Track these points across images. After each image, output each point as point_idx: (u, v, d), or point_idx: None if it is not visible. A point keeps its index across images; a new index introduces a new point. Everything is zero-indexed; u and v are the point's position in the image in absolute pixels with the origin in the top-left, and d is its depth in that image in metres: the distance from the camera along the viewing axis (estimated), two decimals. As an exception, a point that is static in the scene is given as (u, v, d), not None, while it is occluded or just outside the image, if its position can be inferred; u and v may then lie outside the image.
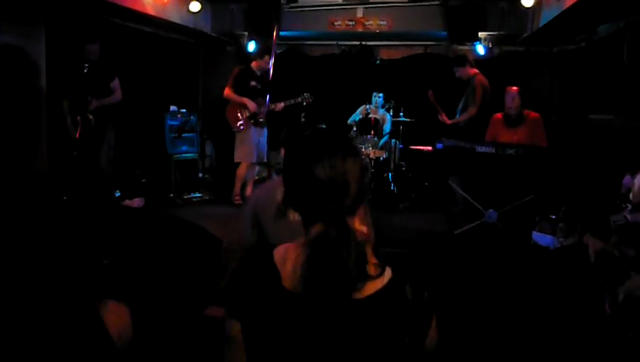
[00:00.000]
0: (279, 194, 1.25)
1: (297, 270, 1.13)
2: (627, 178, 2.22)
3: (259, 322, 1.18)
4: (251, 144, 5.97)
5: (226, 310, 1.23)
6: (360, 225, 1.20)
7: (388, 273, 1.17)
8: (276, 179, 5.81)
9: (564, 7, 4.93)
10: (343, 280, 1.10)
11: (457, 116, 6.07)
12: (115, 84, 5.35)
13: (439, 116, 6.10)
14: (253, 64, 6.06)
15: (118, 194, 5.76)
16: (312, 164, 1.13)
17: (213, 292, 3.54)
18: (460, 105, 6.08)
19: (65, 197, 4.67)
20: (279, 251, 1.22)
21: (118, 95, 5.38)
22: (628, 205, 2.10)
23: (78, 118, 4.97)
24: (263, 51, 6.11)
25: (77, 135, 4.92)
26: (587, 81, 5.98)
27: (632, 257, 2.04)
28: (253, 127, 5.97)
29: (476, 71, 6.02)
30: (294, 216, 1.24)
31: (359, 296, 1.13)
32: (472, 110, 5.83)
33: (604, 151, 4.19)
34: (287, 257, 1.18)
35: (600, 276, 2.15)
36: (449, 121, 6.03)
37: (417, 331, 1.18)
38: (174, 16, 6.45)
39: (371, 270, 1.14)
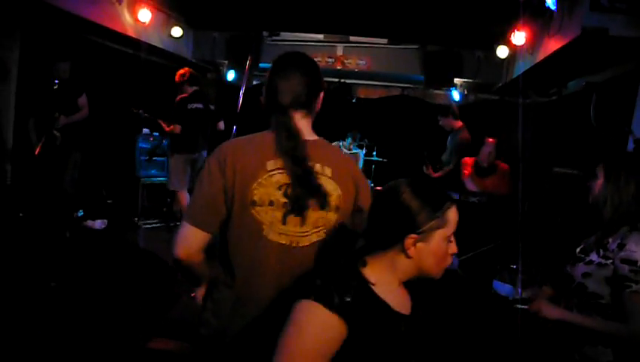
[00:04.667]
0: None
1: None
2: None
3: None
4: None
5: None
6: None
7: None
8: None
9: (536, 61, 5.05)
10: None
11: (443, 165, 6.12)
12: (83, 100, 5.28)
13: (425, 169, 6.08)
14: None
15: (81, 213, 5.63)
16: None
17: (162, 323, 3.44)
18: (444, 158, 6.11)
19: (21, 214, 4.55)
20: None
21: (85, 111, 5.31)
22: None
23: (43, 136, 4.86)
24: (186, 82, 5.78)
25: (36, 152, 4.79)
26: (555, 134, 6.10)
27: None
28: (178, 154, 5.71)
29: (461, 125, 6.01)
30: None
31: None
32: (449, 168, 5.87)
33: (564, 205, 4.23)
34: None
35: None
36: (435, 175, 6.03)
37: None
38: (155, 39, 6.45)
39: None
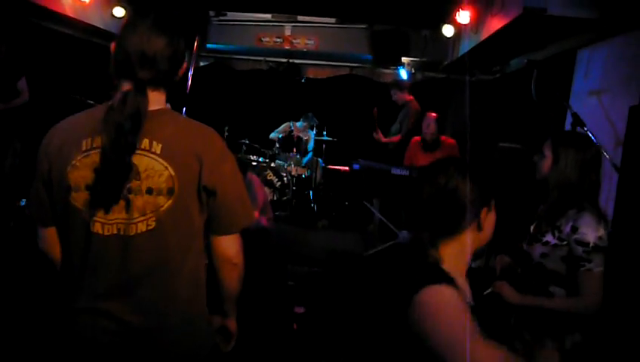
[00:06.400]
0: None
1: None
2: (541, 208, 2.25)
3: None
4: None
5: None
6: None
7: None
8: None
9: (480, 39, 5.18)
10: None
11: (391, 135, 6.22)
12: (22, 84, 5.03)
13: (374, 134, 6.14)
14: None
15: (24, 203, 5.41)
16: None
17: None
18: (393, 128, 6.20)
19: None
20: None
21: (25, 95, 5.07)
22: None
23: None
24: None
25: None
26: (500, 110, 6.30)
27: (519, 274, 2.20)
28: None
29: (412, 98, 6.15)
30: None
31: None
32: (398, 137, 5.98)
33: (509, 178, 4.40)
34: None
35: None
36: (384, 139, 6.12)
37: None
38: (96, 19, 6.20)
39: None
